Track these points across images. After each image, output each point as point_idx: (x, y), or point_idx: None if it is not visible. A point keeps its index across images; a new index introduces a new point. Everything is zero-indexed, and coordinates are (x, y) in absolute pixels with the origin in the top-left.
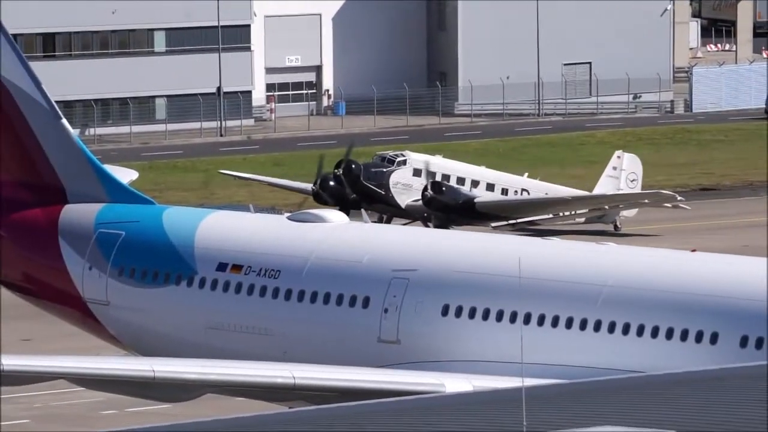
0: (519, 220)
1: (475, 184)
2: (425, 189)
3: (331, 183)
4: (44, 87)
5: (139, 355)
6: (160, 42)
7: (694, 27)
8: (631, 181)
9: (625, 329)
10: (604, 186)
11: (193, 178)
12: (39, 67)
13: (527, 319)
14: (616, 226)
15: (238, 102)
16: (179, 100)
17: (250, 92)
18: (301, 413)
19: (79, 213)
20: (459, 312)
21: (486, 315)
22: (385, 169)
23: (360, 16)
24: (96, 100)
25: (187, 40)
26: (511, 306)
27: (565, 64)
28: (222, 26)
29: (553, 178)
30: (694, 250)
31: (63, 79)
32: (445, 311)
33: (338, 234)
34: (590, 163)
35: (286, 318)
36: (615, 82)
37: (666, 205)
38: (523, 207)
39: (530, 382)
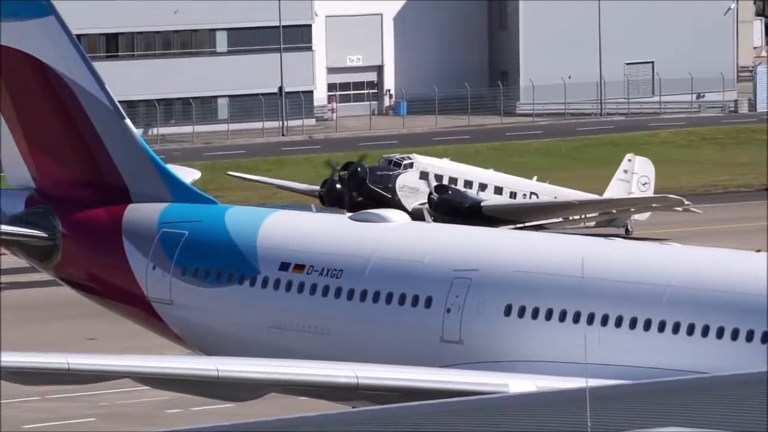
0: (526, 224)
1: (482, 187)
2: (431, 192)
3: (338, 186)
4: (107, 87)
5: (202, 354)
6: (222, 42)
7: (758, 26)
8: (643, 184)
9: (690, 330)
10: (614, 189)
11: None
12: (102, 67)
13: (590, 320)
14: (627, 230)
15: (300, 102)
16: (241, 99)
17: (311, 92)
18: (364, 413)
19: (143, 212)
20: (522, 312)
21: (549, 315)
22: (391, 173)
23: (421, 16)
24: (159, 100)
25: (248, 40)
26: (575, 306)
27: (627, 64)
28: (283, 26)
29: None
30: (758, 251)
31: (126, 79)
32: (507, 311)
33: (400, 234)
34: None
35: (349, 318)
36: (678, 81)
37: (677, 208)
38: (530, 211)
39: (594, 382)
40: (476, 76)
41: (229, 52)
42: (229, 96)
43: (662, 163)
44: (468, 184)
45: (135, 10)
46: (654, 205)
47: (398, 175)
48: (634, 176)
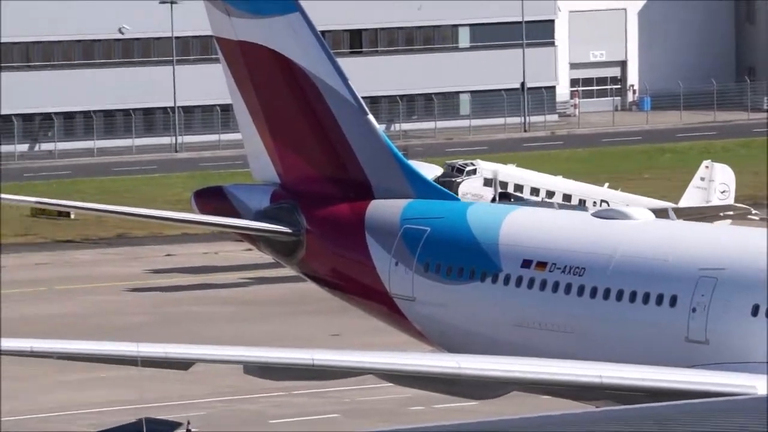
0: None
1: (550, 194)
2: (492, 200)
3: None
4: (351, 83)
5: (445, 351)
6: (464, 37)
7: None
8: (722, 192)
9: None
10: (691, 197)
11: None
12: (345, 63)
13: None
14: None
15: (542, 97)
16: (483, 95)
17: (553, 87)
18: (608, 413)
19: (386, 209)
20: None
21: None
22: (453, 179)
23: (666, 10)
24: (401, 96)
25: (491, 35)
26: None
27: None
28: (526, 21)
29: None
30: None
31: (369, 75)
32: (755, 311)
33: (644, 231)
34: None
35: (592, 316)
36: None
37: (752, 218)
38: None
39: None
40: (722, 71)
41: (471, 48)
42: (471, 92)
43: None
44: (534, 191)
45: (379, 7)
46: (722, 214)
47: (461, 182)
48: (712, 184)
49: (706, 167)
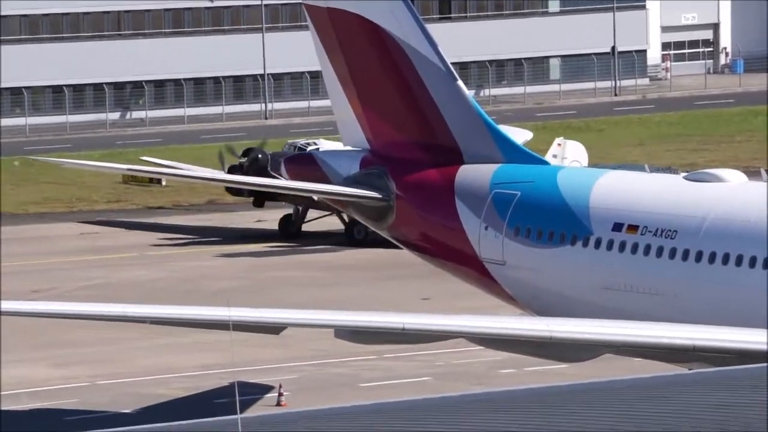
0: None
1: None
2: None
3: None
4: (440, 49)
5: (535, 314)
6: (554, 2)
7: None
8: None
9: None
10: None
11: (587, 138)
12: (435, 29)
13: None
14: None
15: (633, 61)
16: (573, 60)
17: (644, 51)
18: (702, 375)
19: (475, 173)
20: None
21: None
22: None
23: None
24: (490, 61)
25: None
26: None
27: None
28: None
29: None
30: None
31: (458, 41)
32: None
33: (737, 194)
34: None
35: (683, 279)
36: None
37: None
38: None
39: None
40: None
41: (561, 12)
42: (561, 56)
43: None
44: None
45: None
46: None
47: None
48: (565, 161)
49: (559, 144)
